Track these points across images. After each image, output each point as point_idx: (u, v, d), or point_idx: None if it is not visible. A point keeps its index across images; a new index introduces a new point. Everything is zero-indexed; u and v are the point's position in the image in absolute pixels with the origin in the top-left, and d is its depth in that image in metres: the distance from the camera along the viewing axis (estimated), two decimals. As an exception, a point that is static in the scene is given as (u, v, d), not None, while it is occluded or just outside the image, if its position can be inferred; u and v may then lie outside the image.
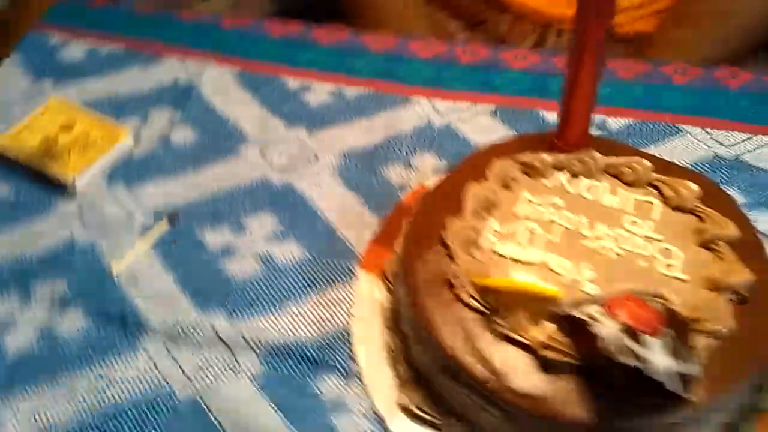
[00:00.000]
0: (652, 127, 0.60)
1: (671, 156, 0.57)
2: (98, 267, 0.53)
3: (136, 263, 0.53)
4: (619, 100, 0.62)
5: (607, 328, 0.39)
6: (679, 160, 0.57)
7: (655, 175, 0.48)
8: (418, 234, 0.47)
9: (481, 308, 0.43)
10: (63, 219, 0.56)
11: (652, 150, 0.57)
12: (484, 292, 0.43)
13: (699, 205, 0.46)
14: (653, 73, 0.64)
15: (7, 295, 0.52)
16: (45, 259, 0.54)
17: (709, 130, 0.59)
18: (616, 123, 0.61)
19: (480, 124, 0.61)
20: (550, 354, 0.41)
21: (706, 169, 0.56)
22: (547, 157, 0.49)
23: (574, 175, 0.49)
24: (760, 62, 0.88)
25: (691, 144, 0.58)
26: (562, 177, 0.49)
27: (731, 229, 0.45)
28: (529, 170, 0.49)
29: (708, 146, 0.58)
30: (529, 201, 0.47)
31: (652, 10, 0.91)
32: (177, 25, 0.71)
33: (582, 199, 0.47)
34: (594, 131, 0.59)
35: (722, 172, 0.56)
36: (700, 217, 0.46)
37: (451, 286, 0.44)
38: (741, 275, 0.43)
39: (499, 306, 0.42)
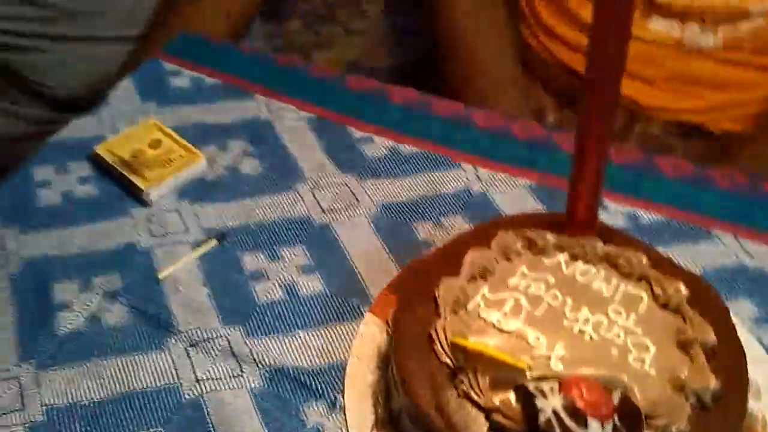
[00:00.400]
0: (683, 227, 0.61)
1: (695, 258, 0.58)
2: (149, 270, 0.60)
3: (180, 272, 0.60)
4: (659, 196, 0.63)
5: (550, 405, 0.42)
6: (702, 264, 0.58)
7: (650, 271, 0.49)
8: (415, 287, 0.51)
9: (452, 365, 0.46)
10: (133, 223, 0.64)
11: (677, 250, 0.58)
12: (458, 350, 0.46)
13: (685, 306, 0.48)
14: (698, 175, 0.65)
15: (71, 281, 0.60)
16: (109, 256, 0.62)
17: (740, 239, 0.60)
18: (648, 217, 0.62)
19: (516, 196, 0.64)
20: (501, 419, 0.43)
21: (726, 277, 0.57)
22: (550, 237, 0.52)
23: (573, 258, 0.51)
24: None
25: (718, 250, 0.59)
26: (561, 257, 0.51)
27: (710, 335, 0.46)
28: (532, 246, 0.52)
29: (736, 255, 0.59)
30: (524, 274, 0.50)
31: (746, 112, 0.91)
32: (272, 68, 0.79)
33: (574, 281, 0.50)
34: (625, 222, 0.62)
35: (742, 283, 0.57)
36: (683, 318, 0.47)
37: (431, 340, 0.47)
38: (707, 381, 0.44)
39: (468, 365, 0.45)
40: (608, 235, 0.52)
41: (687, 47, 0.87)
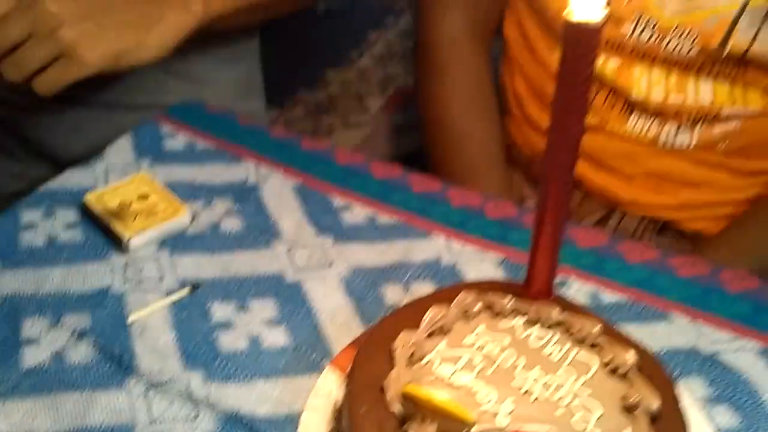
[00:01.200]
0: (642, 308, 0.63)
1: (651, 337, 0.59)
2: (120, 313, 0.62)
3: (150, 317, 0.61)
4: (621, 277, 0.65)
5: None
6: (658, 343, 0.59)
7: (601, 338, 0.51)
8: (374, 341, 0.52)
9: (401, 414, 0.47)
10: (110, 268, 0.66)
11: (635, 328, 0.60)
12: (408, 400, 0.47)
13: (633, 373, 0.49)
14: (660, 260, 0.67)
15: (43, 316, 0.61)
16: (82, 296, 0.63)
17: (696, 322, 0.61)
18: (610, 297, 0.64)
19: (483, 268, 0.66)
20: (444, 468, 0.44)
21: (680, 356, 0.58)
22: (509, 301, 0.53)
23: (529, 322, 0.53)
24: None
25: (674, 331, 0.60)
26: (518, 321, 0.53)
27: (654, 401, 0.47)
28: (490, 309, 0.53)
29: (691, 337, 0.60)
30: (480, 334, 0.52)
31: (718, 213, 0.94)
32: (265, 138, 0.83)
33: (528, 343, 0.51)
34: (587, 299, 0.63)
35: (696, 363, 0.58)
36: (630, 384, 0.48)
37: (383, 390, 0.48)
38: (648, 446, 0.45)
39: (416, 415, 0.46)
40: (564, 304, 0.53)
41: (663, 146, 0.90)
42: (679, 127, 0.90)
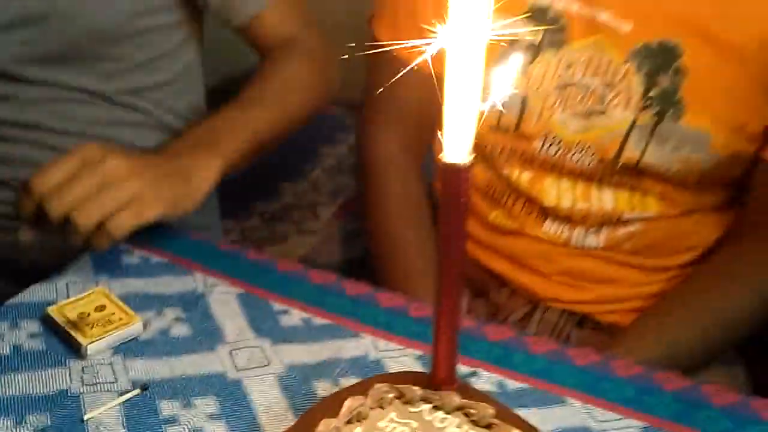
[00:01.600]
0: (542, 394, 0.72)
1: (547, 418, 0.67)
2: (77, 413, 0.69)
3: (104, 415, 0.68)
4: (524, 368, 0.74)
5: None
6: (552, 423, 0.67)
7: (494, 420, 0.59)
8: (300, 428, 0.60)
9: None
10: (69, 373, 0.73)
11: (534, 412, 0.68)
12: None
13: (520, 448, 0.57)
14: (560, 352, 0.76)
15: (6, 417, 0.68)
16: (44, 398, 0.70)
17: (588, 405, 0.70)
18: (514, 385, 0.73)
19: (405, 363, 0.75)
20: None
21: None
22: (417, 390, 0.62)
23: (434, 408, 0.61)
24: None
25: (568, 413, 0.69)
26: (425, 407, 0.61)
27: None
28: (402, 397, 0.62)
29: (582, 418, 0.69)
30: (392, 419, 0.60)
31: (629, 307, 1.04)
32: (213, 251, 0.92)
33: (433, 426, 0.59)
34: (494, 387, 0.72)
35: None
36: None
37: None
38: None
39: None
40: (465, 391, 0.62)
41: (575, 246, 1.01)
42: (587, 230, 1.01)
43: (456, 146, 0.51)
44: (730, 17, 0.88)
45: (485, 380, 0.73)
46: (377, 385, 0.62)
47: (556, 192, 1.00)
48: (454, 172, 0.52)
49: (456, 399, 0.61)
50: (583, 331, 1.04)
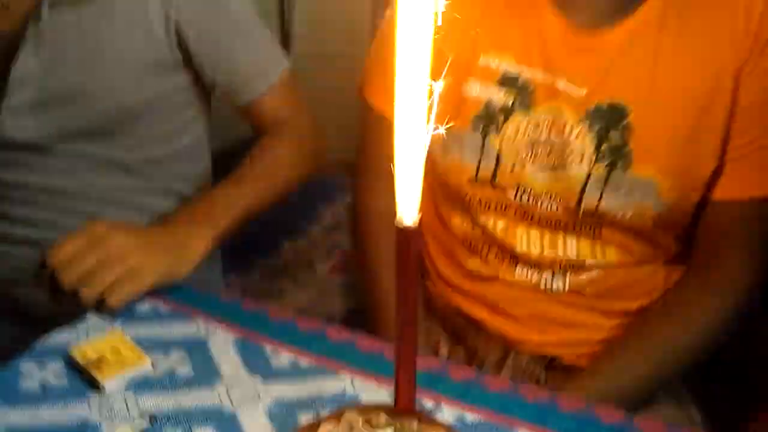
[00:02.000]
0: (496, 426, 0.83)
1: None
2: (96, 440, 0.81)
3: (119, 441, 0.80)
4: (481, 403, 0.85)
5: None
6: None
7: (448, 443, 0.70)
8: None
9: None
10: (89, 406, 0.85)
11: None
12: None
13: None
14: (513, 389, 0.88)
15: (33, 445, 0.80)
16: (67, 428, 0.82)
17: (538, 434, 0.81)
18: (472, 417, 0.84)
19: (380, 397, 0.86)
20: None
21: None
22: (383, 416, 0.73)
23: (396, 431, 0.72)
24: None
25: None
26: (389, 430, 0.72)
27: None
28: (370, 422, 0.73)
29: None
30: (360, 442, 0.71)
31: (592, 350, 1.13)
32: (214, 301, 1.04)
33: (394, 447, 0.71)
34: (455, 420, 0.83)
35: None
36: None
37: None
38: None
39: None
40: (423, 418, 0.73)
41: (543, 291, 1.12)
42: (553, 275, 1.12)
43: (406, 210, 0.63)
44: (675, 68, 1.00)
45: (446, 414, 0.84)
46: (348, 413, 0.74)
47: (527, 240, 1.12)
48: (406, 233, 0.64)
49: (415, 424, 0.72)
50: (553, 374, 1.13)
